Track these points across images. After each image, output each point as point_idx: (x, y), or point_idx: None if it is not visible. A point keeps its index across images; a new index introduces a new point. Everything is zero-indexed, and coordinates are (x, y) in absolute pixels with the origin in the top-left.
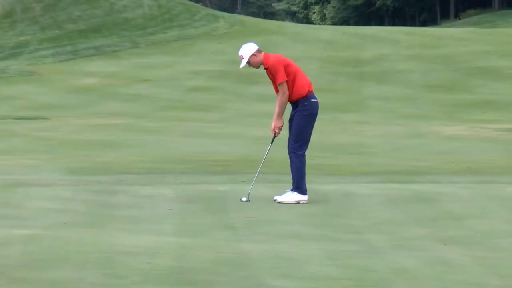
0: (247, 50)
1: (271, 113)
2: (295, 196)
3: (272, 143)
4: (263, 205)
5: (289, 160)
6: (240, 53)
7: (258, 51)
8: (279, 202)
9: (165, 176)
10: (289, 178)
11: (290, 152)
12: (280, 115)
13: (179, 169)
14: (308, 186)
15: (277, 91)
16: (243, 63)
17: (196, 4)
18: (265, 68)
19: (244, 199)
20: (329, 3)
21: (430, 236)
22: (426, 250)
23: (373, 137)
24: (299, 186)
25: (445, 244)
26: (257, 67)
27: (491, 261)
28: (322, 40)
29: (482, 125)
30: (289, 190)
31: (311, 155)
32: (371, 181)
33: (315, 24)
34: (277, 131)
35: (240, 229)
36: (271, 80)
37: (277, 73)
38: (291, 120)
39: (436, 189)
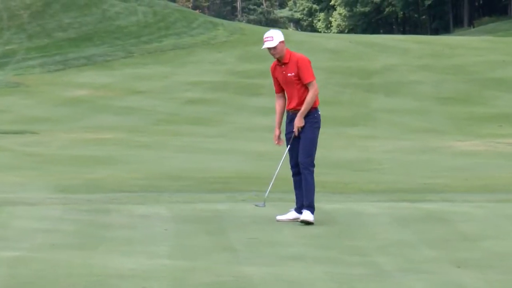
0: (279, 33)
1: (274, 127)
2: (310, 214)
3: (290, 144)
4: (265, 225)
5: (293, 178)
6: (270, 34)
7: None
8: (282, 220)
9: (160, 194)
10: (291, 196)
11: (303, 169)
12: (304, 114)
13: (175, 187)
14: None
15: (278, 91)
16: (270, 44)
17: (193, 11)
18: (284, 63)
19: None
20: (335, 10)
21: (442, 259)
22: (438, 274)
23: (382, 153)
24: (312, 204)
25: (459, 267)
26: (278, 56)
27: (506, 284)
28: (328, 49)
29: (498, 140)
30: (292, 209)
31: (315, 172)
32: (380, 200)
33: (320, 32)
34: (299, 131)
35: (240, 251)
36: (281, 80)
37: (309, 69)
38: (291, 134)
39: (449, 208)
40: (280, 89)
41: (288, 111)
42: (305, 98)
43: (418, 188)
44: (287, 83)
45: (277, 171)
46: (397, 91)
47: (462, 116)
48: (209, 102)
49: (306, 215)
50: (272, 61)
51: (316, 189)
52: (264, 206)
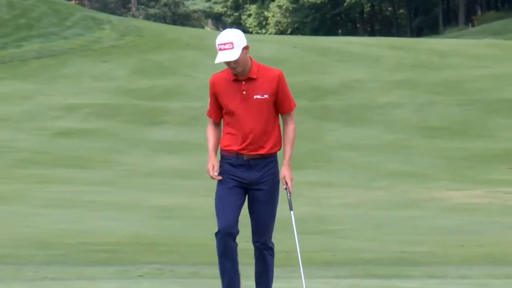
0: (239, 36)
1: (184, 170)
2: None
3: (292, 208)
4: None
5: (224, 258)
6: (227, 38)
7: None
8: None
9: (20, 267)
10: (208, 270)
11: (265, 249)
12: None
13: (41, 257)
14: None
15: (216, 118)
16: (231, 55)
17: (67, 2)
18: (250, 78)
19: None
20: (273, 1)
21: None
22: None
23: (341, 208)
24: None
25: None
26: (239, 70)
27: None
28: (263, 58)
29: (507, 188)
30: None
31: (243, 237)
32: (338, 276)
33: (251, 32)
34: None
35: None
36: (235, 103)
37: (289, 93)
38: (243, 189)
39: (438, 287)
40: (219, 117)
41: (230, 154)
42: (271, 135)
43: (394, 258)
44: (247, 110)
45: (297, 243)
46: (363, 118)
47: (457, 155)
48: (90, 135)
49: None
50: (209, 70)
51: (247, 260)
52: None
